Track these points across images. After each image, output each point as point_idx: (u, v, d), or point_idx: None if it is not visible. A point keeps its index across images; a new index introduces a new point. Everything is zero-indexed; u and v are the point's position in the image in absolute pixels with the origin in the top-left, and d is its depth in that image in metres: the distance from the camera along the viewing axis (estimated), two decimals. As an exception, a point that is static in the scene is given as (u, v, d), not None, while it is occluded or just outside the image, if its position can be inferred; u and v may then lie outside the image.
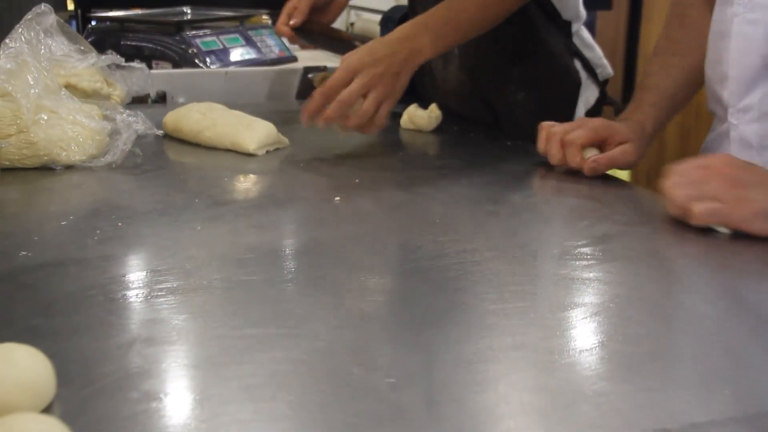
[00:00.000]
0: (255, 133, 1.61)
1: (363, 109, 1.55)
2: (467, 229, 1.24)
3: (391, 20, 2.22)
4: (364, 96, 1.55)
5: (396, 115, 1.84)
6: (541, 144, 1.53)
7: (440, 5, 1.64)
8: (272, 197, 1.39)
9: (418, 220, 1.27)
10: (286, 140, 1.67)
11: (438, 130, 1.84)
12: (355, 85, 1.53)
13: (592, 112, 1.94)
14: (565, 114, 1.88)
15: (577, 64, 1.91)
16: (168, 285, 1.01)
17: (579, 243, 1.18)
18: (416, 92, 2.07)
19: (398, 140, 1.80)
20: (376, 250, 1.15)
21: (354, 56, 1.55)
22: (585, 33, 1.97)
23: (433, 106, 1.85)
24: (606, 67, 1.98)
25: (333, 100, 1.53)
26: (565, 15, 1.90)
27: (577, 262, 1.11)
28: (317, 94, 1.54)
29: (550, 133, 1.51)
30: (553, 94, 1.88)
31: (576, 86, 1.88)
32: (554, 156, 1.50)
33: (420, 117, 1.84)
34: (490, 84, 1.90)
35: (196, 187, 1.40)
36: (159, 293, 0.99)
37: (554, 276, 1.08)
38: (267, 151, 1.63)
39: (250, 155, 1.60)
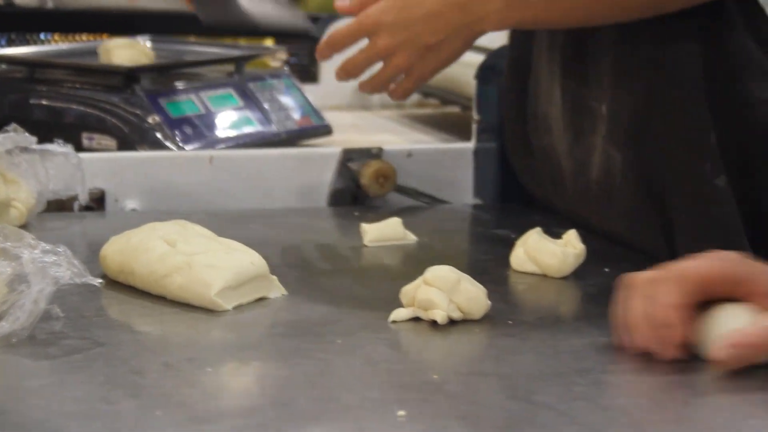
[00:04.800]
0: (218, 270, 1.02)
1: (376, 74, 1.25)
2: None
3: (494, 70, 1.49)
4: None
5: (502, 243, 1.18)
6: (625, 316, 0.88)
7: None
8: (285, 403, 0.83)
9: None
10: (278, 287, 1.06)
11: (575, 274, 1.14)
12: (365, 52, 1.23)
13: None
14: None
15: None
16: None
17: None
18: (517, 186, 1.40)
19: (506, 293, 1.11)
20: None
21: (375, 9, 1.21)
22: None
23: (572, 236, 1.13)
24: None
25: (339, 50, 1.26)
26: None
27: None
28: (323, 46, 1.27)
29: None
30: None
31: None
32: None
33: (547, 254, 1.12)
34: (670, 165, 1.15)
35: (159, 383, 0.89)
36: None
37: None
38: (241, 303, 1.02)
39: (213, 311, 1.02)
